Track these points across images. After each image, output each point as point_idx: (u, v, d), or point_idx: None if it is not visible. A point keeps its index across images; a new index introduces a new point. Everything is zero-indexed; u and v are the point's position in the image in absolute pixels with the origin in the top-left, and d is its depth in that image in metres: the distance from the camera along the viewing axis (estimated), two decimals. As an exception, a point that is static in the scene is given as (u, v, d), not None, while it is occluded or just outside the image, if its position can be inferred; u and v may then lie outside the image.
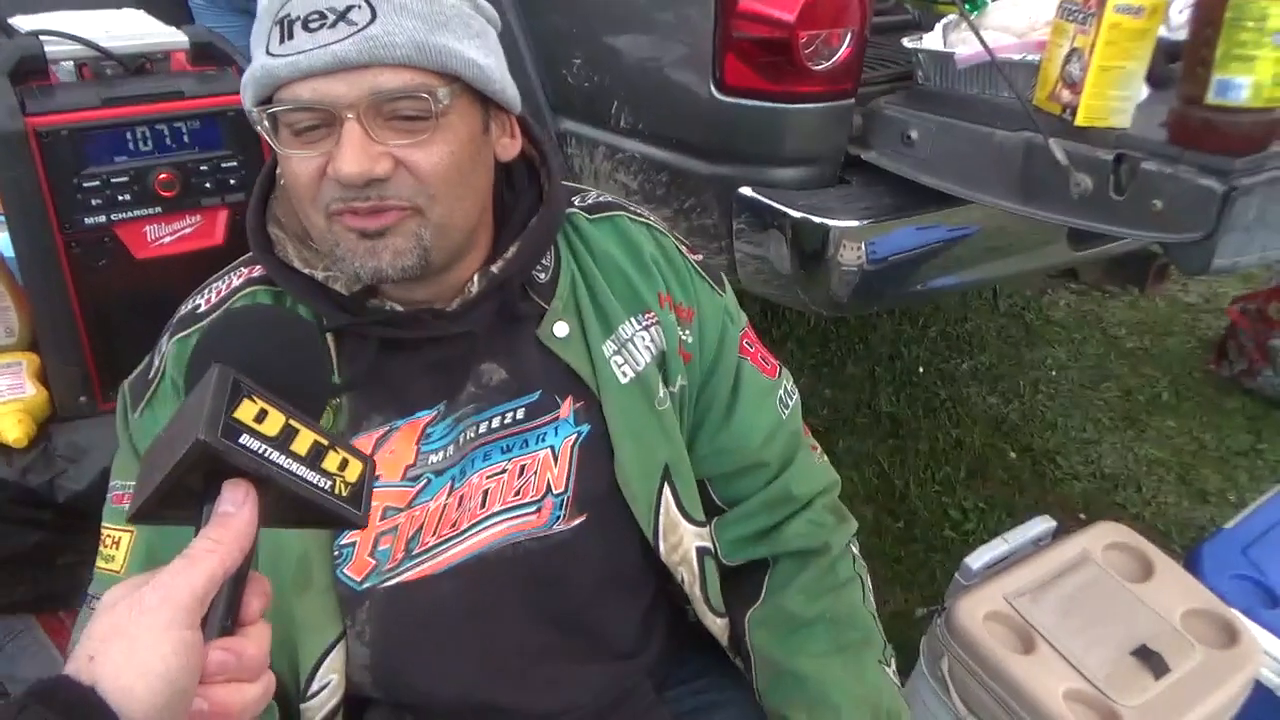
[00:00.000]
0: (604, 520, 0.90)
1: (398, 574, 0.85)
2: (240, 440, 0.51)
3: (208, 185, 1.18)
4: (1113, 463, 2.45)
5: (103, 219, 1.13)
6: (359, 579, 0.85)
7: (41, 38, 1.19)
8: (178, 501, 0.52)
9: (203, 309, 0.88)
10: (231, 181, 1.19)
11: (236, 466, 0.51)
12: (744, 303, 1.07)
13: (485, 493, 0.87)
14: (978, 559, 1.42)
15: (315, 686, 0.84)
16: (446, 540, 0.86)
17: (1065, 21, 1.26)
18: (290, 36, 0.73)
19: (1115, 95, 1.25)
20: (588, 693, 0.92)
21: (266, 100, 0.76)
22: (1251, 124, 1.11)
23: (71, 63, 1.21)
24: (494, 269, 0.87)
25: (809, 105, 1.55)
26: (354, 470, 0.56)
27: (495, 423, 0.88)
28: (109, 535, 0.87)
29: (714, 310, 0.98)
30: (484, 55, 0.79)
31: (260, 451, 0.52)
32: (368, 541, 0.85)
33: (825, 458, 1.07)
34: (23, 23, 1.28)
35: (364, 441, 0.85)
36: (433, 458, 0.87)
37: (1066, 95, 1.27)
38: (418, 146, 0.76)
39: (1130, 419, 2.63)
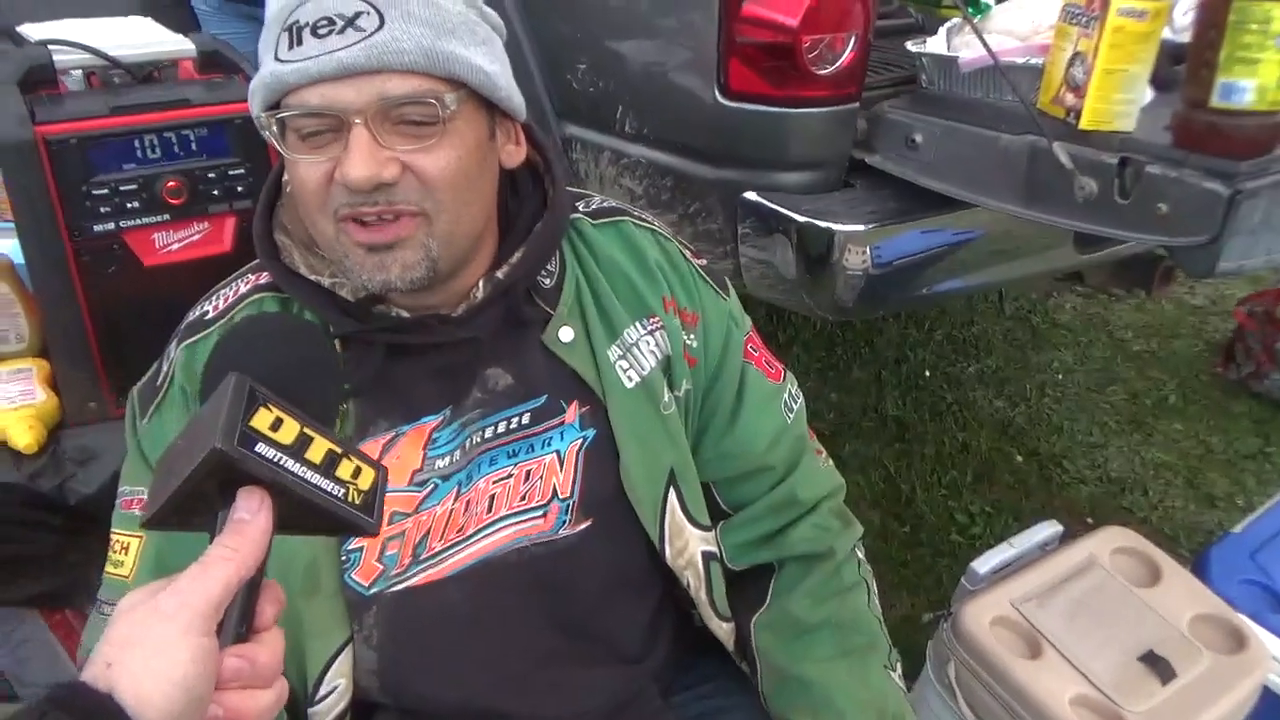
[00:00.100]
0: (610, 525, 0.90)
1: (405, 579, 0.86)
2: (256, 448, 0.51)
3: (215, 192, 1.18)
4: (1119, 466, 2.45)
5: (111, 226, 1.13)
6: (366, 584, 0.85)
7: (50, 47, 1.20)
8: (193, 508, 0.53)
9: (210, 315, 0.89)
10: (239, 189, 1.19)
11: (252, 474, 0.52)
12: (749, 307, 1.07)
13: (491, 498, 0.87)
14: (984, 564, 1.42)
15: (323, 691, 0.84)
16: (453, 545, 0.86)
17: (1069, 25, 1.26)
18: (299, 43, 0.73)
19: (1119, 98, 1.25)
20: (594, 698, 0.92)
21: (275, 106, 0.77)
22: (1256, 127, 1.11)
23: (80, 71, 1.22)
24: (499, 275, 0.88)
25: (813, 110, 1.55)
26: (367, 478, 0.57)
27: (501, 428, 0.88)
28: (118, 541, 0.88)
29: (718, 315, 0.98)
30: (490, 62, 0.79)
31: (275, 460, 0.52)
32: (375, 546, 0.85)
33: (830, 462, 1.07)
34: (32, 31, 1.30)
35: (371, 447, 0.85)
36: (439, 463, 0.87)
37: (1070, 99, 1.28)
38: (424, 152, 0.76)
39: (1137, 422, 2.62)
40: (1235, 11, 1.06)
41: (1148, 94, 1.29)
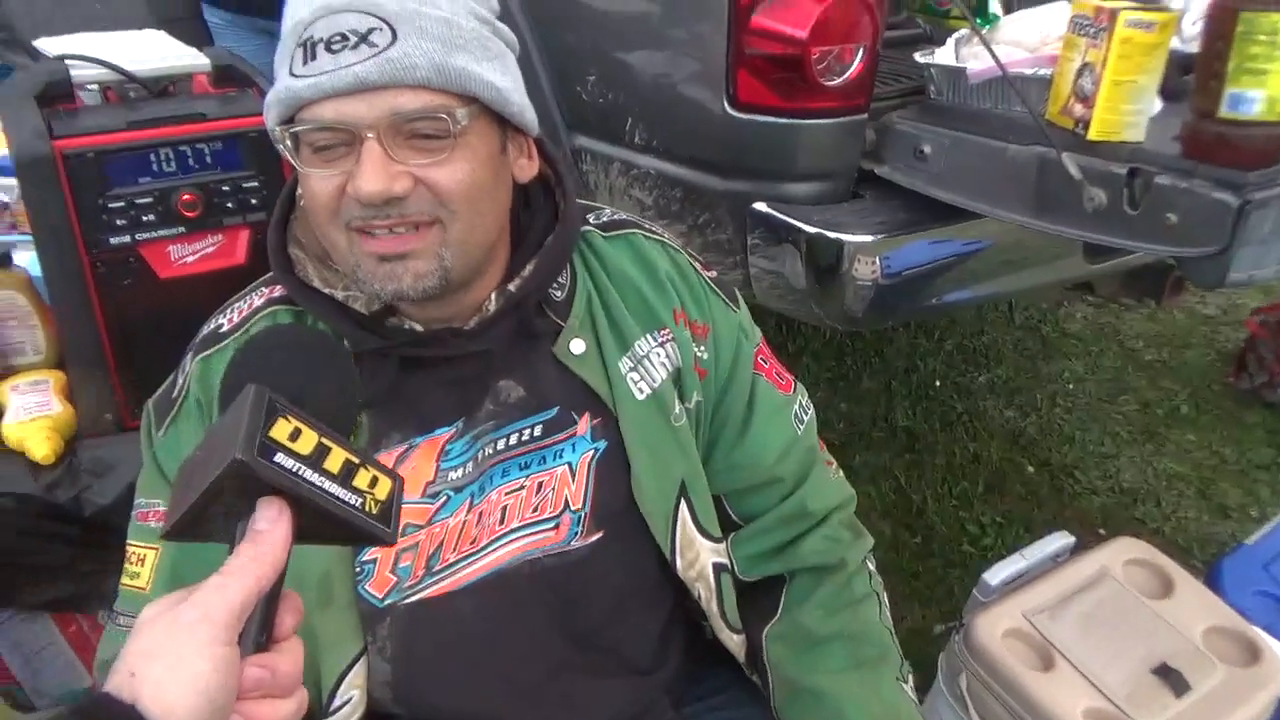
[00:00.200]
0: (621, 536, 0.90)
1: (418, 590, 0.86)
2: (275, 459, 0.52)
3: (229, 205, 1.19)
4: (1131, 477, 2.44)
5: (127, 239, 1.15)
6: (380, 595, 0.86)
7: (67, 62, 1.21)
8: (212, 519, 0.53)
9: (225, 328, 0.90)
10: (253, 201, 1.20)
11: (271, 484, 0.52)
12: (759, 317, 1.07)
13: (504, 509, 0.88)
14: (996, 575, 1.41)
15: (338, 702, 0.85)
16: (466, 557, 0.87)
17: (1077, 36, 1.27)
18: (313, 58, 0.74)
19: (1128, 109, 1.25)
20: (606, 709, 0.92)
21: (289, 120, 0.78)
22: (1265, 138, 1.11)
23: (97, 86, 1.24)
24: (511, 288, 0.88)
25: (822, 121, 1.56)
26: (384, 488, 0.57)
27: (513, 439, 0.88)
28: (134, 552, 0.89)
29: (728, 326, 0.99)
30: (502, 77, 0.80)
31: (294, 470, 0.52)
32: (389, 558, 0.86)
33: (841, 473, 1.07)
34: (48, 45, 1.31)
35: (384, 459, 0.86)
36: (452, 475, 0.87)
37: (1079, 109, 1.28)
38: (436, 165, 0.77)
39: (1149, 433, 2.61)
40: (1243, 23, 1.06)
41: (1156, 104, 1.29)
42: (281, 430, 0.53)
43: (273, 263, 0.89)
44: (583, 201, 0.98)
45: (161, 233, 1.16)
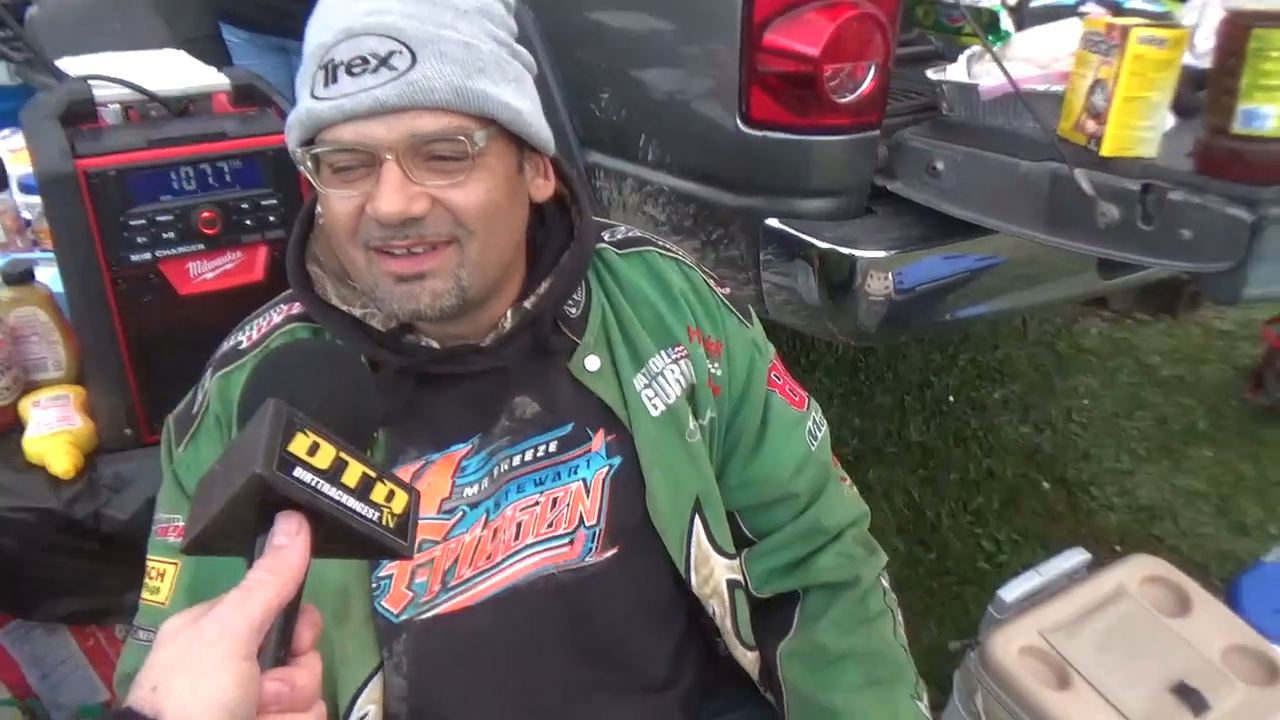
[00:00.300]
0: (636, 552, 0.91)
1: (434, 606, 0.86)
2: (294, 473, 0.52)
3: (248, 223, 1.21)
4: (1148, 494, 2.42)
5: (148, 256, 1.16)
6: (396, 611, 0.86)
7: (90, 82, 1.23)
8: (231, 533, 0.54)
9: (245, 345, 0.91)
10: (271, 219, 1.21)
11: (290, 498, 0.52)
12: (772, 333, 1.08)
13: (519, 525, 0.88)
14: (1011, 592, 1.40)
15: (354, 717, 0.85)
16: (482, 573, 0.87)
17: (1089, 53, 1.27)
18: (334, 80, 0.75)
19: (1140, 125, 1.25)
20: (620, 725, 0.92)
21: (310, 141, 0.79)
22: (1279, 153, 1.11)
23: (119, 105, 1.26)
24: (527, 305, 0.89)
25: (834, 137, 1.56)
26: (400, 501, 0.57)
27: (528, 455, 0.89)
28: (154, 567, 0.89)
29: (742, 343, 0.99)
30: (520, 99, 0.81)
31: (313, 484, 0.53)
32: (405, 574, 0.86)
33: (855, 489, 1.07)
34: (71, 66, 1.33)
35: (400, 475, 0.86)
36: (468, 490, 0.88)
37: (1091, 125, 1.28)
38: (454, 187, 0.78)
39: (1166, 449, 2.59)
40: (1255, 39, 1.07)
41: (1169, 120, 1.29)
42: (300, 445, 0.53)
43: (291, 280, 0.90)
44: (598, 219, 0.99)
45: (181, 250, 1.18)
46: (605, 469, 0.90)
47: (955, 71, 1.60)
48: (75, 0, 2.24)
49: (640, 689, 0.94)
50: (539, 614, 0.88)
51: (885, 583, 1.03)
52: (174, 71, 1.34)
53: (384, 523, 0.56)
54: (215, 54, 2.49)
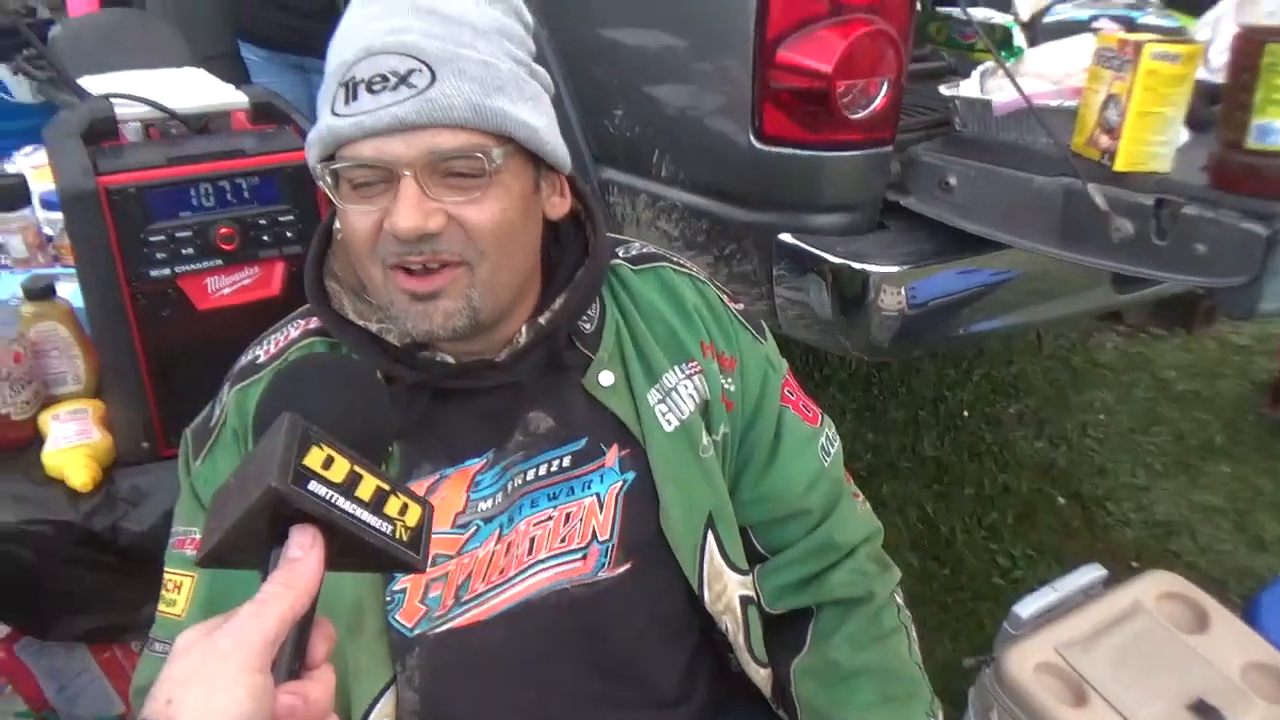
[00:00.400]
0: (648, 568, 0.91)
1: (448, 620, 0.87)
2: (309, 486, 0.53)
3: (265, 238, 1.22)
4: (1165, 509, 2.40)
5: (167, 271, 1.17)
6: (410, 625, 0.86)
7: (112, 100, 1.25)
8: (245, 546, 0.54)
9: (262, 360, 0.92)
10: (288, 234, 1.23)
11: (305, 512, 0.53)
12: (784, 348, 1.08)
13: (532, 540, 0.88)
14: (1026, 607, 1.40)
15: (367, 731, 0.85)
16: (495, 587, 0.87)
17: (1102, 68, 1.27)
18: (354, 98, 0.76)
19: (1154, 140, 1.25)
20: (632, 740, 0.92)
21: (330, 157, 0.80)
22: (1295, 169, 1.10)
23: (139, 123, 1.28)
24: (541, 321, 0.90)
25: (847, 153, 1.57)
26: (413, 515, 0.58)
27: (542, 470, 0.89)
28: (171, 580, 0.90)
29: (755, 359, 0.99)
30: (537, 117, 0.82)
31: (327, 497, 0.53)
32: (419, 588, 0.86)
33: (868, 505, 1.07)
34: (93, 84, 1.35)
35: (415, 489, 0.87)
36: (482, 505, 0.88)
37: (1105, 141, 1.28)
38: (471, 204, 0.79)
39: (1183, 464, 2.57)
40: (1269, 54, 1.07)
41: (1183, 135, 1.29)
42: (315, 458, 0.54)
43: (309, 295, 0.91)
44: (612, 235, 1.00)
45: (200, 265, 1.19)
46: (619, 484, 0.90)
47: (968, 87, 1.60)
48: (97, 20, 2.28)
49: (653, 705, 0.94)
50: (552, 629, 0.88)
51: (899, 599, 1.02)
52: (194, 89, 1.36)
53: (397, 536, 0.56)
54: (234, 72, 2.52)
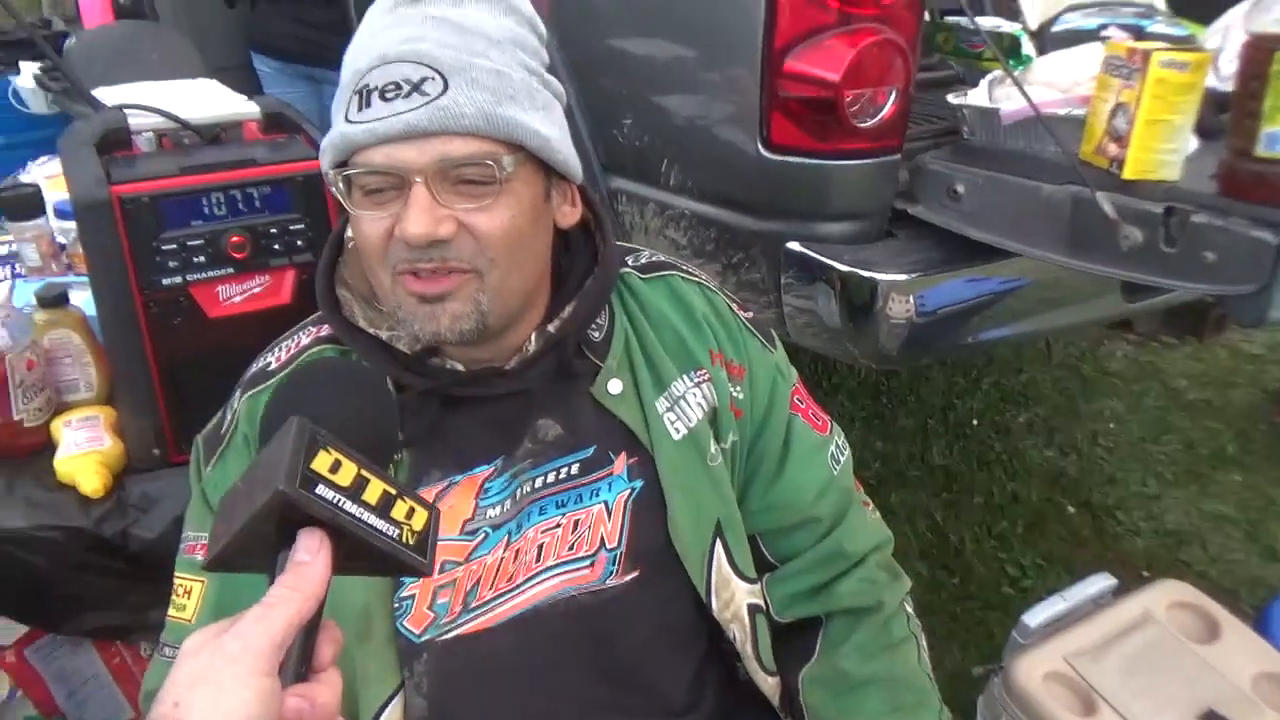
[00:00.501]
0: (656, 576, 0.91)
1: (456, 627, 0.87)
2: (316, 490, 0.53)
3: (276, 247, 1.23)
4: (1176, 518, 2.38)
5: (179, 280, 1.18)
6: (418, 631, 0.87)
7: (125, 110, 1.26)
8: (253, 550, 0.55)
9: (273, 367, 0.92)
10: (299, 243, 1.23)
11: (312, 516, 0.53)
12: (793, 356, 1.08)
13: (540, 547, 0.88)
14: (1035, 617, 1.39)
15: (374, 737, 0.85)
16: (503, 594, 0.88)
17: (1110, 76, 1.27)
18: (368, 105, 0.77)
19: (1163, 148, 1.25)
20: (640, 749, 0.92)
21: (343, 163, 0.81)
22: (1304, 177, 1.10)
23: (153, 133, 1.29)
24: (550, 328, 0.90)
25: (855, 162, 1.57)
26: (420, 519, 0.58)
27: (551, 478, 0.90)
28: (181, 584, 0.91)
29: (765, 367, 1.00)
30: (548, 126, 0.83)
31: (334, 501, 0.53)
32: (427, 594, 0.87)
33: (878, 514, 1.07)
34: (107, 95, 1.37)
35: (424, 496, 0.87)
36: (490, 512, 0.89)
37: (1113, 149, 1.28)
38: (481, 211, 0.79)
39: (1193, 473, 2.56)
40: (1277, 62, 1.07)
41: (1192, 143, 1.29)
42: (322, 462, 0.54)
43: (320, 303, 0.91)
44: (622, 244, 1.00)
45: (211, 273, 1.20)
46: (627, 492, 0.91)
47: (976, 96, 1.61)
48: (112, 32, 2.30)
49: (660, 713, 0.94)
50: (560, 636, 0.88)
51: (909, 608, 1.02)
52: (206, 100, 1.38)
53: (404, 540, 0.56)
54: (246, 83, 2.54)
